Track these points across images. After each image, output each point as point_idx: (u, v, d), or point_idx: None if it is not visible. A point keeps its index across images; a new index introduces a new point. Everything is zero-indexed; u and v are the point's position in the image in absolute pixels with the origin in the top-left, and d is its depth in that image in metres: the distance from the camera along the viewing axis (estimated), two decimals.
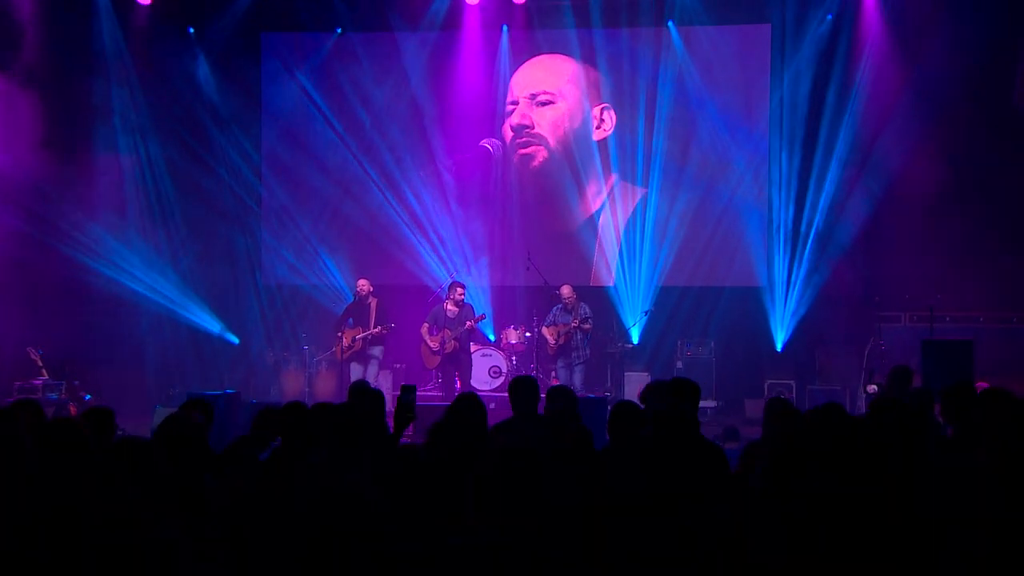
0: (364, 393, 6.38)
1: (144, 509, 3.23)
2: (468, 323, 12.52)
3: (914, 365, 9.17)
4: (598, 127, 14.49)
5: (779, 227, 13.89)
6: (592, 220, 14.52)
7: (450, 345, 12.46)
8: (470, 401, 5.47)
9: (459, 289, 12.66)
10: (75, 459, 4.24)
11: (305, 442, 5.02)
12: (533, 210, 14.61)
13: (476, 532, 2.91)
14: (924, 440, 3.73)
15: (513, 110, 14.63)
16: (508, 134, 14.66)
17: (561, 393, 6.39)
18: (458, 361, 12.59)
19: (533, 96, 14.60)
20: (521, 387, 6.18)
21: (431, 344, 12.56)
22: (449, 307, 12.58)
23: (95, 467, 4.09)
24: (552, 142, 14.58)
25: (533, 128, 14.60)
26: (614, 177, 14.40)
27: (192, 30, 14.45)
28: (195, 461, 4.49)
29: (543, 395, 6.64)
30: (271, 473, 4.87)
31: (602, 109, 14.48)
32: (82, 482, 3.91)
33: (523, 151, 14.63)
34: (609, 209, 14.40)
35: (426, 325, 12.65)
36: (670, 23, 14.11)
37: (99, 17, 14.02)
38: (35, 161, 13.26)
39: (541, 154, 14.62)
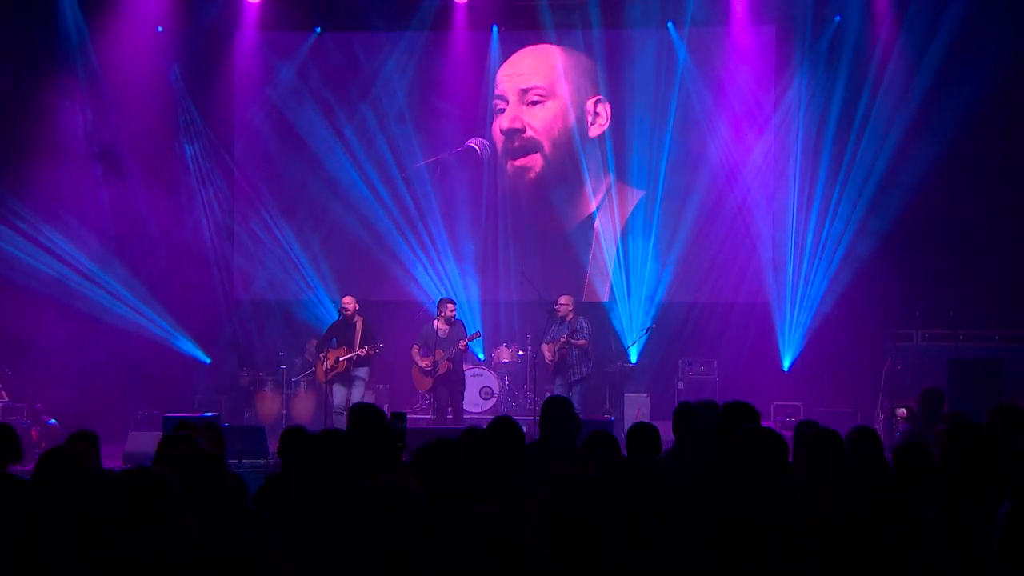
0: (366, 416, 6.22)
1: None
2: (462, 343, 12.40)
3: (934, 385, 9.28)
4: (592, 123, 14.47)
5: (787, 239, 14.04)
6: (586, 226, 14.53)
7: (443, 366, 12.30)
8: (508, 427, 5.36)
9: (449, 305, 12.56)
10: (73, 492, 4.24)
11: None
12: (524, 217, 14.63)
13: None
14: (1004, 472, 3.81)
15: (502, 107, 14.59)
16: (498, 136, 14.63)
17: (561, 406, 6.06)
18: (450, 383, 12.45)
19: (523, 93, 14.53)
20: (550, 408, 5.93)
21: (422, 365, 12.41)
22: (440, 325, 12.48)
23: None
24: (547, 146, 14.54)
25: (525, 132, 14.51)
26: (609, 178, 14.41)
27: (161, 29, 14.46)
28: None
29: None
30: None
31: (596, 102, 14.47)
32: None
33: (519, 160, 14.57)
34: (604, 213, 14.41)
35: (416, 347, 12.52)
36: (669, 24, 14.26)
37: (63, 15, 14.02)
38: None
39: (537, 162, 14.57)
